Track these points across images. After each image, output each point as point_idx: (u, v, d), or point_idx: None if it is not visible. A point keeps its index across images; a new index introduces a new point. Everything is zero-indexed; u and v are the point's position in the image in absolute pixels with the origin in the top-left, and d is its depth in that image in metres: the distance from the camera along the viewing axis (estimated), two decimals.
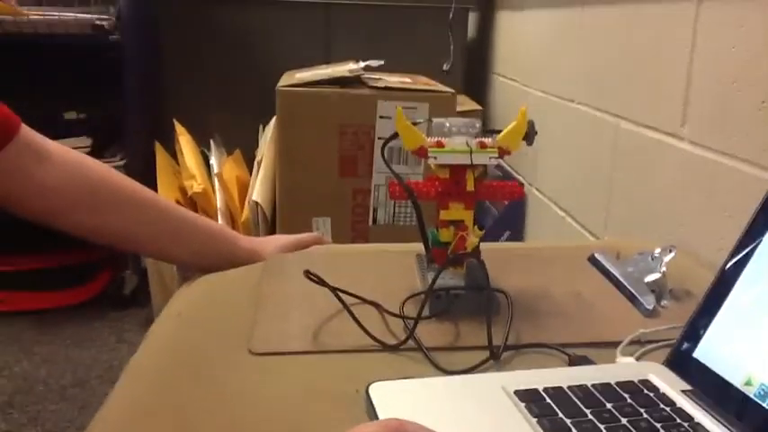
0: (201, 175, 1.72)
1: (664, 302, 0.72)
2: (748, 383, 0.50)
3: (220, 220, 1.60)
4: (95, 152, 1.88)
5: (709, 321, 0.55)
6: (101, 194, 0.77)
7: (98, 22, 1.75)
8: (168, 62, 2.16)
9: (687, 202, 0.95)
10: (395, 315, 0.66)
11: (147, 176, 1.70)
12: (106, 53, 1.82)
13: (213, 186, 1.72)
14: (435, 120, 0.72)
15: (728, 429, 0.48)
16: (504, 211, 1.73)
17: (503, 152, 0.69)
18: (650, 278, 0.73)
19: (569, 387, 0.52)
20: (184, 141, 1.86)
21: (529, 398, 0.51)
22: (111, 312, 1.93)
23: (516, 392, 0.51)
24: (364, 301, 0.69)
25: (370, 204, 1.54)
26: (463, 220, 0.71)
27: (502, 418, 0.49)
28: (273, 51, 2.09)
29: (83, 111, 2.07)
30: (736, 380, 0.50)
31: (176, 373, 0.59)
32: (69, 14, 1.79)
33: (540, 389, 0.52)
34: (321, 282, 0.65)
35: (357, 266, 0.81)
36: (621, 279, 0.75)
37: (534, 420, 0.48)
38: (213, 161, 1.83)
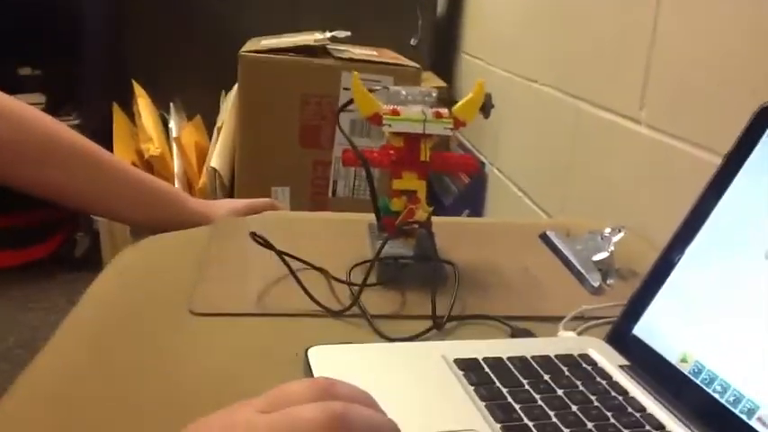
0: (159, 139, 1.69)
1: (610, 281, 0.72)
2: (684, 360, 0.50)
3: (177, 186, 1.58)
4: (50, 110, 1.83)
5: (650, 300, 0.55)
6: (48, 149, 0.76)
7: None
8: (130, 22, 2.10)
9: (642, 186, 0.95)
10: (341, 281, 0.66)
11: (104, 137, 1.65)
12: (64, 9, 1.76)
13: (171, 151, 1.69)
14: (392, 88, 0.71)
15: (662, 404, 0.48)
16: (465, 189, 1.74)
17: (458, 123, 0.69)
18: (598, 257, 0.74)
19: (509, 358, 0.52)
20: (143, 104, 1.82)
21: (468, 367, 0.51)
22: (62, 274, 1.89)
23: (456, 361, 0.51)
24: (311, 266, 0.68)
25: (330, 176, 1.53)
26: (416, 190, 0.70)
27: (439, 385, 0.49)
28: (240, 17, 2.05)
29: (38, 67, 2.01)
30: (673, 357, 0.51)
31: (112, 331, 0.58)
32: None
33: (480, 358, 0.52)
34: (267, 244, 0.64)
35: (308, 233, 0.80)
36: (570, 256, 0.76)
37: (471, 389, 0.48)
38: (172, 125, 1.80)
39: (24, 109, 0.76)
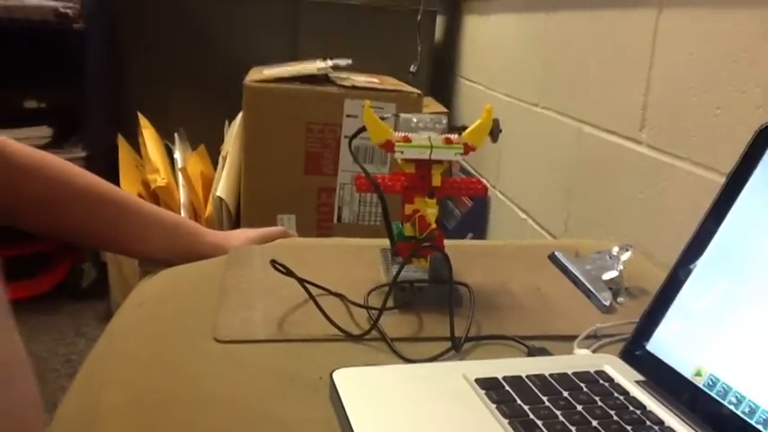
0: (165, 169, 1.71)
1: (620, 299, 0.74)
2: (698, 374, 0.52)
3: (183, 216, 1.59)
4: (56, 142, 1.86)
5: (662, 316, 0.57)
6: (60, 191, 0.76)
7: (62, 10, 1.73)
8: (133, 53, 2.13)
9: (644, 205, 0.98)
10: (359, 306, 0.67)
11: (110, 169, 1.68)
12: (69, 42, 1.79)
13: (177, 181, 1.71)
14: (402, 115, 0.73)
15: (679, 417, 0.50)
16: (467, 212, 1.76)
17: (468, 148, 0.71)
18: (607, 276, 0.75)
19: (528, 376, 0.54)
20: (148, 135, 1.84)
21: (489, 386, 0.52)
22: (69, 305, 1.90)
23: (477, 380, 0.53)
24: (329, 292, 0.69)
25: (335, 203, 1.55)
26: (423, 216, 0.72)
27: (463, 404, 0.50)
28: (240, 46, 2.08)
29: (43, 100, 2.04)
30: (687, 371, 0.53)
31: (139, 361, 0.59)
32: (32, 1, 1.76)
33: (500, 377, 0.53)
34: (287, 271, 0.66)
35: (322, 259, 0.81)
36: (580, 276, 0.77)
37: (494, 407, 0.50)
38: (177, 155, 1.82)
39: (35, 153, 0.76)
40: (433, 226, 0.71)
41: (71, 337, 1.76)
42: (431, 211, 0.70)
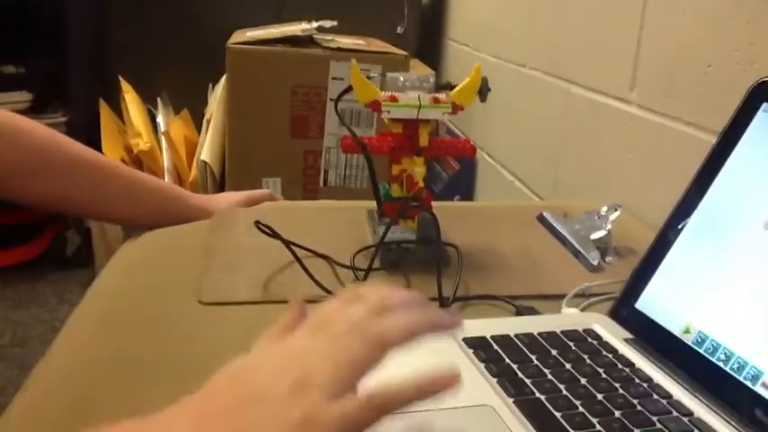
0: (148, 134, 1.68)
1: (608, 259, 0.74)
2: (686, 331, 0.51)
3: (167, 180, 1.57)
4: (36, 108, 1.82)
5: (651, 275, 0.57)
6: (42, 158, 0.74)
7: None
8: (114, 17, 2.08)
9: (634, 165, 0.97)
10: (345, 267, 0.67)
11: (91, 134, 1.65)
12: (48, 6, 1.75)
13: (160, 145, 1.68)
14: (389, 74, 0.72)
15: (668, 374, 0.50)
16: (454, 175, 1.75)
17: (456, 108, 0.70)
18: (596, 235, 0.75)
19: (516, 335, 0.53)
20: (130, 99, 1.80)
21: (477, 345, 0.52)
22: (53, 272, 1.89)
23: (465, 340, 0.52)
24: (315, 253, 0.69)
25: (321, 166, 1.54)
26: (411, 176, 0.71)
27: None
28: (224, 8, 2.04)
29: (22, 65, 1.99)
30: (675, 328, 0.52)
31: (122, 322, 0.58)
32: None
33: (488, 336, 0.53)
34: (273, 233, 0.65)
35: (308, 221, 0.80)
36: (568, 236, 0.77)
37: (482, 365, 0.49)
38: (160, 119, 1.79)
39: (16, 120, 0.74)
40: (421, 185, 0.70)
41: (54, 304, 1.74)
42: (418, 169, 0.69)
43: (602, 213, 0.77)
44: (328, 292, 0.62)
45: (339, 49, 1.46)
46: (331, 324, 0.37)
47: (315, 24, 1.53)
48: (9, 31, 2.00)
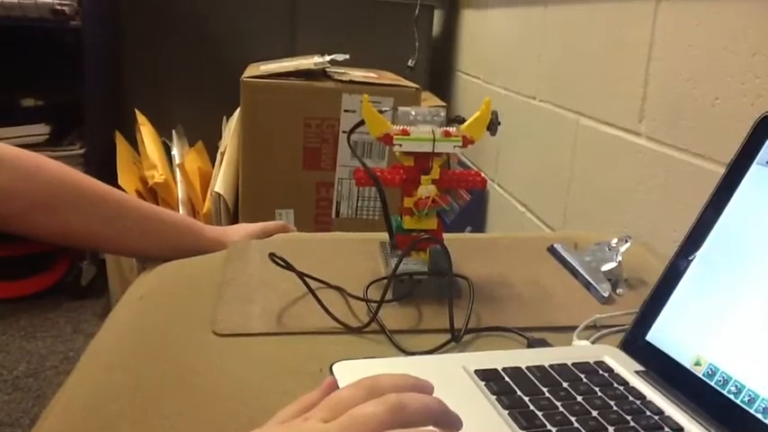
0: (163, 166, 1.71)
1: (619, 290, 0.74)
2: (697, 364, 0.52)
3: (182, 212, 1.59)
4: (53, 140, 1.85)
5: (661, 307, 0.57)
6: (58, 195, 0.75)
7: (59, 7, 1.72)
8: (130, 50, 2.12)
9: (643, 196, 0.97)
10: (358, 299, 0.67)
11: (107, 166, 1.67)
12: (66, 39, 1.79)
13: (175, 177, 1.70)
14: (401, 108, 0.73)
15: (679, 407, 0.50)
16: (466, 206, 1.76)
17: (467, 141, 0.71)
18: (606, 267, 0.75)
19: (527, 367, 0.54)
20: (146, 131, 1.83)
21: (488, 377, 0.52)
22: (68, 303, 1.90)
23: (476, 372, 0.53)
24: (328, 285, 0.69)
25: (333, 197, 1.55)
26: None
27: (463, 395, 0.50)
28: (238, 42, 2.08)
29: (41, 98, 2.03)
30: (686, 361, 0.53)
31: (137, 353, 0.59)
32: None
33: (500, 368, 0.53)
34: (286, 265, 0.66)
35: (321, 253, 0.81)
36: (579, 268, 0.77)
37: (494, 398, 0.50)
38: (175, 152, 1.81)
39: (30, 157, 0.75)
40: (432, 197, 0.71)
41: (68, 334, 1.75)
42: (429, 188, 0.70)
43: (613, 245, 0.78)
44: (342, 323, 0.62)
45: (351, 81, 1.49)
46: (344, 415, 0.37)
47: (327, 58, 1.56)
48: (28, 64, 2.04)
